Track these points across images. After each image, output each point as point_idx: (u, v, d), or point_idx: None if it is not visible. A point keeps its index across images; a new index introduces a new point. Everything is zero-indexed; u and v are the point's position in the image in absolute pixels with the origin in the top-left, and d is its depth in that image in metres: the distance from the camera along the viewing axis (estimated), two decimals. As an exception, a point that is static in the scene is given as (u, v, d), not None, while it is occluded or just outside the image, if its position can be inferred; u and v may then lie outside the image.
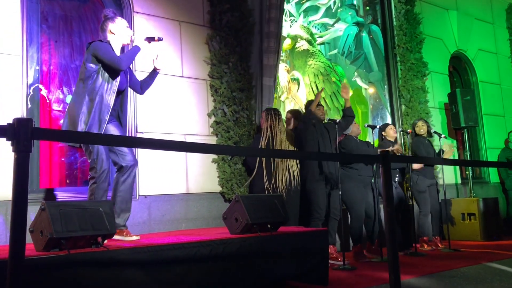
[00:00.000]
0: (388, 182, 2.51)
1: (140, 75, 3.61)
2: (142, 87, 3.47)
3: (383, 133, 5.43)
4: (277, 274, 3.18)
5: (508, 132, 7.63)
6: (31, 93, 3.90)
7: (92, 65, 3.09)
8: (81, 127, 3.02)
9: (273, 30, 5.10)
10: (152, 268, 2.56)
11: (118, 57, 3.10)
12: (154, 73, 3.45)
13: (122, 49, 3.41)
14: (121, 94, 3.28)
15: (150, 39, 3.29)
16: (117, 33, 3.23)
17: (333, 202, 4.66)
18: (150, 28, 4.50)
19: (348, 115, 4.83)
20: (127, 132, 3.44)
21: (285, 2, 5.40)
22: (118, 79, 3.16)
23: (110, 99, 3.11)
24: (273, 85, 5.06)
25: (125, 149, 3.19)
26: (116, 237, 2.93)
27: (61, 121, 4.35)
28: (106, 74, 3.11)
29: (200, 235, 3.21)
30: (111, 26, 3.23)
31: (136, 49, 3.24)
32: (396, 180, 5.32)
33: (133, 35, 3.31)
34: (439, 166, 6.34)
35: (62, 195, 3.93)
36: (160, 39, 3.30)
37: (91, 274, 2.33)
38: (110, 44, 3.18)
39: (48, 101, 4.23)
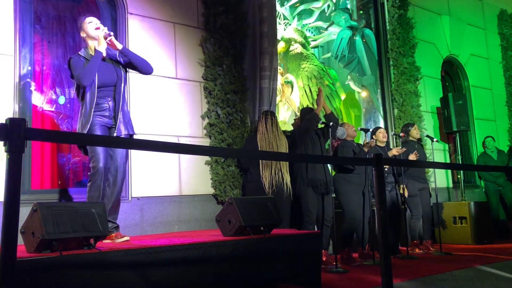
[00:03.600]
0: (381, 185, 2.52)
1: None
2: (136, 68, 3.37)
3: (374, 136, 5.43)
4: (269, 277, 3.18)
5: (484, 137, 7.47)
6: (23, 93, 3.87)
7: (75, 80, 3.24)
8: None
9: (266, 31, 5.08)
10: (144, 270, 2.55)
11: (81, 72, 3.12)
12: (120, 54, 3.33)
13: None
14: (113, 87, 3.27)
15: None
16: (87, 35, 3.28)
17: (326, 209, 4.65)
18: (144, 29, 4.49)
19: (333, 122, 4.71)
20: (125, 128, 3.33)
21: (277, 2, 5.33)
22: (95, 82, 3.17)
23: (93, 100, 3.16)
24: (270, 87, 5.00)
25: (116, 152, 3.21)
26: (105, 241, 2.94)
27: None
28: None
29: (192, 237, 3.20)
30: (81, 32, 3.31)
31: (96, 56, 3.18)
32: (390, 181, 5.31)
33: (107, 30, 3.24)
34: (430, 170, 6.38)
35: (54, 196, 3.90)
36: (109, 35, 3.22)
37: (83, 276, 2.32)
38: (80, 55, 3.23)
39: (40, 101, 4.20)
